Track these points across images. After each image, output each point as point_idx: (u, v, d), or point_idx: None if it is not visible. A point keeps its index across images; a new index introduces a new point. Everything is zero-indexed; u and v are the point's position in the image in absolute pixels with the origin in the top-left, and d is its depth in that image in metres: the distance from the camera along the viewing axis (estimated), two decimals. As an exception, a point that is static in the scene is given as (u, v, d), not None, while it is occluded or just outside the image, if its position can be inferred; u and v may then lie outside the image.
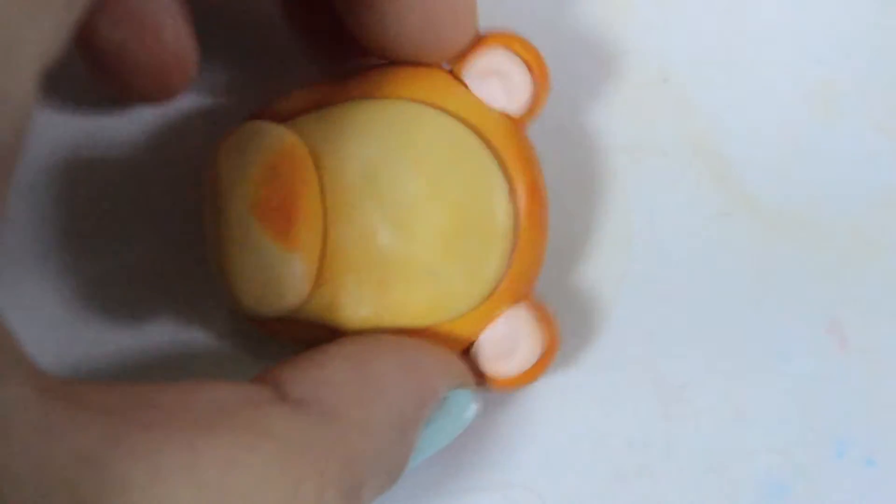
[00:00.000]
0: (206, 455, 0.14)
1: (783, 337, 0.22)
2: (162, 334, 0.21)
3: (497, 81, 0.20)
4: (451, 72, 0.21)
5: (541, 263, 0.21)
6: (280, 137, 0.19)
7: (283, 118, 0.20)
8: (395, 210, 0.19)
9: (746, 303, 0.22)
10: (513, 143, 0.20)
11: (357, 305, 0.19)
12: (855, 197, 0.23)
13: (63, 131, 0.22)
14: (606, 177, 0.23)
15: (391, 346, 0.18)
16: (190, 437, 0.14)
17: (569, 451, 0.21)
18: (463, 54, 0.20)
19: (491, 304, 0.20)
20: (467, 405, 0.18)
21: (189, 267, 0.21)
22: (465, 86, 0.20)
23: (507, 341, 0.20)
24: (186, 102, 0.22)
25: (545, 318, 0.20)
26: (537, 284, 0.21)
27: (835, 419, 0.21)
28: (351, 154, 0.20)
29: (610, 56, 0.24)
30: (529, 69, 0.21)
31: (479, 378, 0.20)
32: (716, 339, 0.22)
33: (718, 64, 0.24)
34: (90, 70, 0.19)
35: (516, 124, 0.21)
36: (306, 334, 0.20)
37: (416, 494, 0.21)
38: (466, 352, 0.20)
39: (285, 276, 0.19)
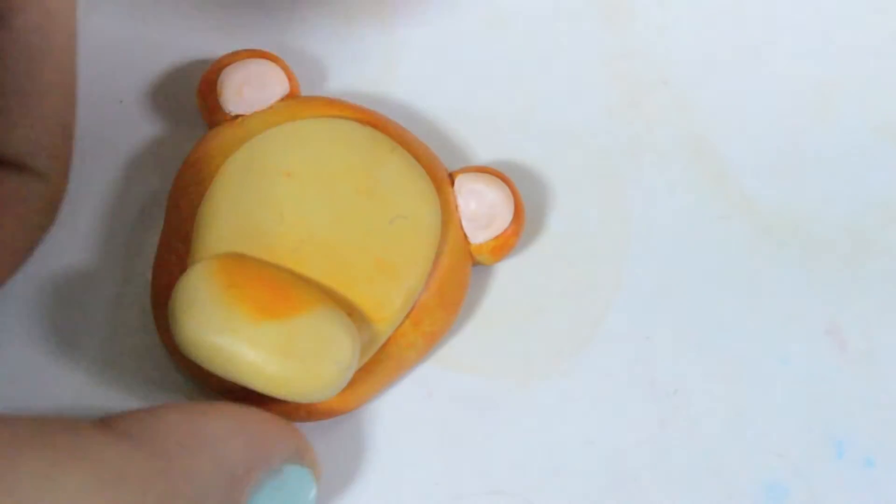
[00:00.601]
0: (22, 470, 0.14)
1: (782, 338, 0.22)
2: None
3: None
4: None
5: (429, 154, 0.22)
6: (213, 262, 0.19)
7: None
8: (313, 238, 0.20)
9: (745, 305, 0.22)
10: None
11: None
12: (854, 198, 0.23)
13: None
14: (605, 178, 0.23)
15: (228, 408, 0.18)
16: (8, 451, 0.14)
17: (563, 456, 0.21)
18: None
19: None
20: (305, 485, 0.18)
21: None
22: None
23: (477, 202, 0.21)
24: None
25: (483, 169, 0.22)
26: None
27: (834, 420, 0.21)
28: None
29: (609, 57, 0.24)
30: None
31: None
32: (714, 341, 0.22)
33: (718, 65, 0.24)
34: None
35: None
36: None
37: (405, 501, 0.21)
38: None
39: (335, 329, 0.19)
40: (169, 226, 0.21)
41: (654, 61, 0.24)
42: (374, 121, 0.21)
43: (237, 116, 0.21)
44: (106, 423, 0.16)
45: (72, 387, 0.20)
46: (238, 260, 0.19)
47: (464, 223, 0.21)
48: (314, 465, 0.18)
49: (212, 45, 0.23)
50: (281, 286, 0.19)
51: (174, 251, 0.20)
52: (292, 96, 0.22)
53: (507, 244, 0.21)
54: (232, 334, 0.18)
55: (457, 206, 0.21)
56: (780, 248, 0.23)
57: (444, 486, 0.21)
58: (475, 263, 0.22)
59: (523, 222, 0.22)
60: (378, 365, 0.20)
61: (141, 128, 0.23)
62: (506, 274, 0.22)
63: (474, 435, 0.21)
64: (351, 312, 0.19)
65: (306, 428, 0.20)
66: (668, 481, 0.21)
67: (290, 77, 0.22)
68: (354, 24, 0.24)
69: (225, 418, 0.17)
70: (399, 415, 0.21)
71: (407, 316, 0.20)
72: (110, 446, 0.15)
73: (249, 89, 0.21)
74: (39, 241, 0.19)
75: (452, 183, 0.21)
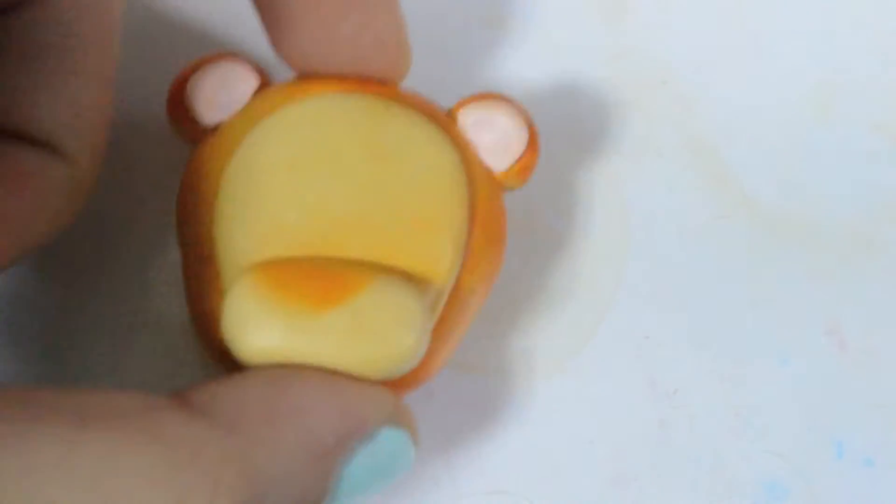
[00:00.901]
0: (82, 451, 0.13)
1: (782, 338, 0.22)
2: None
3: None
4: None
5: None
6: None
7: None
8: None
9: (745, 305, 0.22)
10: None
11: None
12: (854, 198, 0.23)
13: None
14: (604, 178, 0.23)
15: (315, 375, 0.17)
16: (66, 432, 0.13)
17: (563, 456, 0.21)
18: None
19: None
20: (403, 446, 0.17)
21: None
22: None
23: (488, 131, 0.20)
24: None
25: (480, 97, 0.21)
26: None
27: (834, 420, 0.21)
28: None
29: (609, 57, 0.24)
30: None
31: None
32: (714, 341, 0.22)
33: (718, 65, 0.24)
34: None
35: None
36: None
37: (405, 501, 0.21)
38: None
39: (399, 296, 0.18)
40: (188, 255, 0.20)
41: (654, 61, 0.24)
42: (355, 86, 0.20)
43: (216, 126, 0.20)
44: (181, 396, 0.15)
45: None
46: (275, 263, 0.18)
47: (482, 156, 0.20)
48: (411, 426, 0.17)
49: (211, 42, 0.23)
50: (329, 273, 0.18)
51: (202, 278, 0.19)
52: (265, 87, 0.21)
53: (531, 163, 0.20)
54: (300, 334, 0.17)
55: (469, 141, 0.20)
56: (780, 247, 0.23)
57: (444, 486, 0.21)
58: (506, 190, 0.21)
59: (537, 133, 0.21)
60: (446, 322, 0.19)
61: (140, 129, 0.23)
62: (506, 274, 0.22)
63: (474, 435, 0.21)
64: (407, 278, 0.18)
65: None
66: (668, 481, 0.21)
67: (257, 69, 0.21)
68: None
69: (312, 387, 0.17)
70: (399, 415, 0.21)
71: (461, 265, 0.19)
72: (184, 425, 0.15)
73: (221, 93, 0.20)
74: (60, 226, 0.19)
75: (455, 121, 0.21)
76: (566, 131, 0.23)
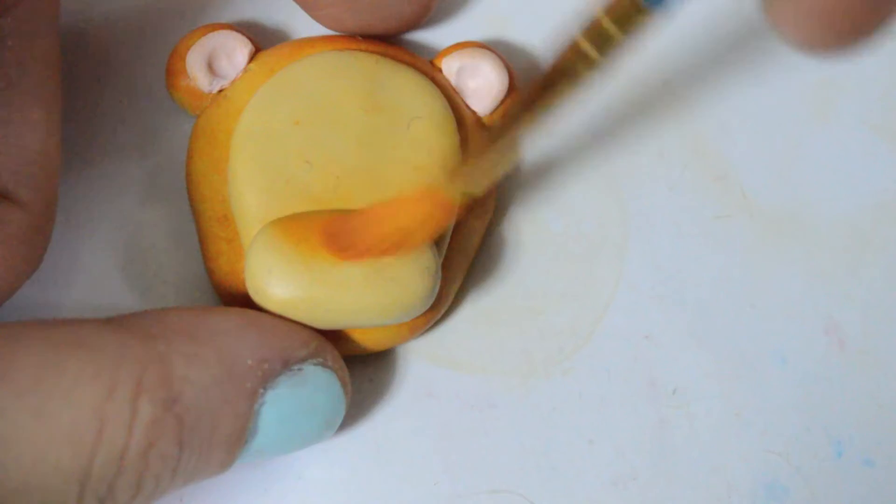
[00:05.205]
0: (20, 361, 0.15)
1: (781, 338, 0.22)
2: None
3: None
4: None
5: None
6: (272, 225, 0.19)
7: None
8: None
9: (745, 304, 0.22)
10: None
11: None
12: (853, 198, 0.23)
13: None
14: (604, 178, 0.23)
15: (238, 309, 0.18)
16: (8, 344, 0.15)
17: (563, 456, 0.21)
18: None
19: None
20: (330, 387, 0.18)
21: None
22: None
23: (472, 77, 0.22)
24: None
25: (460, 46, 0.22)
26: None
27: (833, 420, 0.21)
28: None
29: (609, 56, 0.24)
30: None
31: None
32: (713, 341, 0.22)
33: (718, 65, 0.24)
34: None
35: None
36: None
37: (405, 501, 0.21)
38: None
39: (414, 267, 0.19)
40: (202, 216, 0.21)
41: (654, 61, 0.24)
42: (346, 44, 0.22)
43: (220, 91, 0.21)
44: (109, 319, 0.17)
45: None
46: (292, 218, 0.19)
47: (468, 100, 0.22)
48: (342, 372, 0.19)
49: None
50: (344, 224, 0.19)
51: (219, 237, 0.20)
52: (257, 52, 0.22)
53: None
54: (321, 284, 0.18)
55: (455, 89, 0.22)
56: (780, 247, 0.23)
57: (444, 485, 0.21)
58: None
59: (516, 77, 0.22)
60: (450, 262, 0.21)
61: (140, 125, 0.23)
62: (506, 273, 0.22)
63: (474, 435, 0.21)
64: None
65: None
66: (668, 481, 0.21)
67: (249, 38, 0.22)
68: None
69: (232, 316, 0.18)
70: (399, 415, 0.21)
71: (460, 207, 0.20)
72: (108, 335, 0.16)
73: (220, 61, 0.21)
74: (25, 273, 0.19)
75: (439, 69, 0.22)
76: (566, 131, 0.23)
